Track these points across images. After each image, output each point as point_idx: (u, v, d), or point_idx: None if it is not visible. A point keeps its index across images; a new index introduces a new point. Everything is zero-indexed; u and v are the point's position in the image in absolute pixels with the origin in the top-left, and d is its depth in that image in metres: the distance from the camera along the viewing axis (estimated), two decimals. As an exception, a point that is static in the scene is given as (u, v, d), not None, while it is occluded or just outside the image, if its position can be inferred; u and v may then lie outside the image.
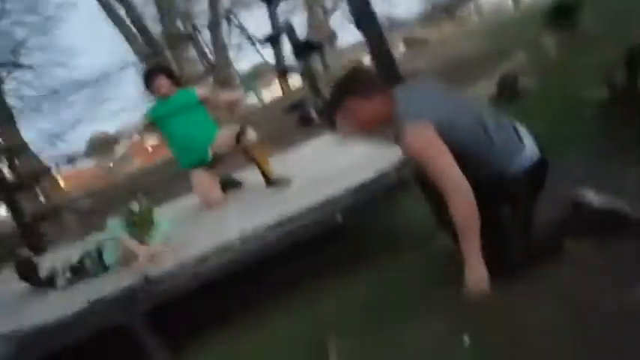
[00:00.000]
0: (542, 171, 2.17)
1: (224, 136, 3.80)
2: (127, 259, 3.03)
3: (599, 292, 1.86)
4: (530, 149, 2.15)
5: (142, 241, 3.07)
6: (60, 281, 3.18)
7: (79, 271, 3.17)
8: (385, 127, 2.14)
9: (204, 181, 3.83)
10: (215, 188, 3.89)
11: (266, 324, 2.64)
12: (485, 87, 6.43)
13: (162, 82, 3.84)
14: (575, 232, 2.20)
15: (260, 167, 3.74)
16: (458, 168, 1.94)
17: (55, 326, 2.52)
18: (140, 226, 3.06)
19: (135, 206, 3.08)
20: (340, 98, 2.14)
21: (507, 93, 5.73)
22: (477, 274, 1.95)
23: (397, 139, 2.06)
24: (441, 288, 2.19)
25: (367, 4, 6.86)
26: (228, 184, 4.15)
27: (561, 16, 7.02)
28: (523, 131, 2.20)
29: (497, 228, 2.12)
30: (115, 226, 3.10)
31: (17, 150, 11.49)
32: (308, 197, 2.92)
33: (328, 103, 2.20)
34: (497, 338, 1.83)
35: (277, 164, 3.84)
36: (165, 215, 3.33)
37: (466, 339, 1.87)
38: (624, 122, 3.17)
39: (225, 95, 4.15)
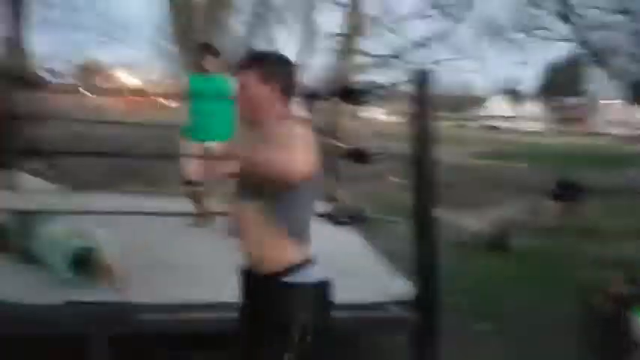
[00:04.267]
0: (328, 295, 1.90)
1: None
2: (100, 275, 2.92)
3: None
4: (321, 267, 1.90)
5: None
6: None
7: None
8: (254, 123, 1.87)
9: (195, 152, 4.00)
10: (200, 166, 4.01)
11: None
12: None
13: (212, 61, 4.05)
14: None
15: None
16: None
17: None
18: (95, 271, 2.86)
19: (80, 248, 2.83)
20: (254, 64, 1.86)
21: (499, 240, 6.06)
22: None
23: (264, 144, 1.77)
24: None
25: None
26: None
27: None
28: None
29: None
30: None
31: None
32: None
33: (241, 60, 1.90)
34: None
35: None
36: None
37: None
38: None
39: None
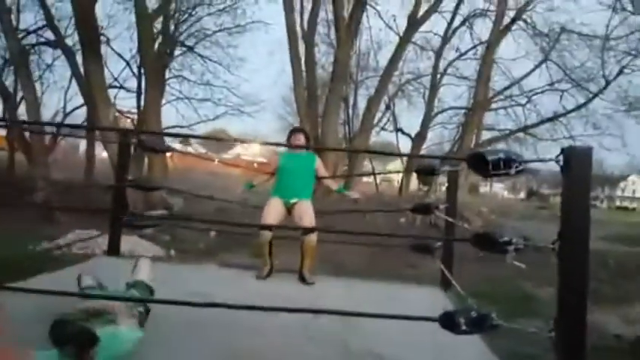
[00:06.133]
0: None
1: (307, 213, 4.63)
2: None
3: None
4: None
5: None
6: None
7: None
8: None
9: (274, 205, 4.70)
10: (277, 217, 4.67)
11: None
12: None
13: (300, 139, 4.96)
14: None
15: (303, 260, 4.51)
16: None
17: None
18: None
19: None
20: None
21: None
22: None
23: None
24: None
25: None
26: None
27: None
28: None
29: None
30: None
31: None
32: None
33: None
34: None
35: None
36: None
37: None
38: None
39: (329, 182, 5.24)
